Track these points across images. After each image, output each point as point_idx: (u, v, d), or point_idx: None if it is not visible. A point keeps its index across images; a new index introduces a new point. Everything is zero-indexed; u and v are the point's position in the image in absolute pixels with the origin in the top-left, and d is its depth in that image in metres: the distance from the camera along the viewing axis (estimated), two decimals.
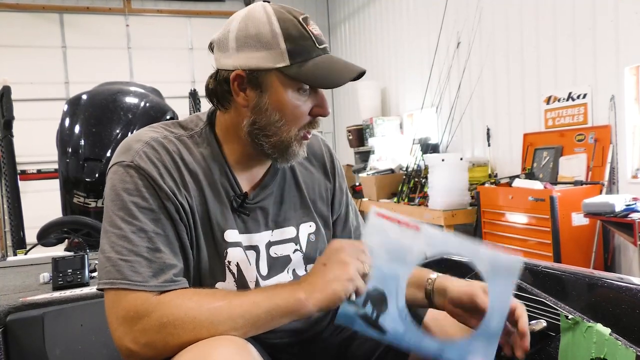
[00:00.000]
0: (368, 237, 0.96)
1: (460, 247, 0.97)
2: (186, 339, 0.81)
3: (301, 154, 1.01)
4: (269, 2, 0.97)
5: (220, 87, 0.98)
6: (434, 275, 1.09)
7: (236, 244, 1.00)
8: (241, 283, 1.00)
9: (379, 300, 0.94)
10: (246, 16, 0.95)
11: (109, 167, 0.95)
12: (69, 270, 1.50)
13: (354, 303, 0.92)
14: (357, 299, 0.90)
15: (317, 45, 0.94)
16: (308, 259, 1.11)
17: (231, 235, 0.99)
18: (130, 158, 0.92)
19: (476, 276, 1.38)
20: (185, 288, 0.90)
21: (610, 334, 1.04)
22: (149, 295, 0.85)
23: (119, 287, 0.84)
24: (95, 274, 1.61)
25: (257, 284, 1.01)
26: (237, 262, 0.99)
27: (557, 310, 1.17)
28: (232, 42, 0.94)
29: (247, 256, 1.01)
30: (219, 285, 0.99)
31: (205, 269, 0.97)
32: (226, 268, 0.99)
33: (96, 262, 1.72)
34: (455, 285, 1.04)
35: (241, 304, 0.84)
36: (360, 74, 0.97)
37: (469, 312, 1.00)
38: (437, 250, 0.95)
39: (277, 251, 1.06)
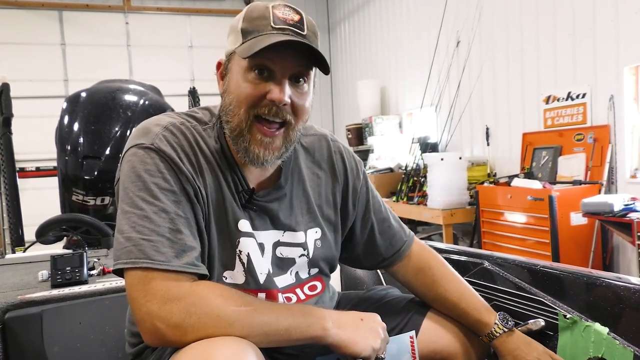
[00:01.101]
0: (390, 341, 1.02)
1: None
2: (203, 333, 0.82)
3: (261, 153, 0.94)
4: None
5: None
6: (497, 332, 1.13)
7: (249, 235, 1.01)
8: (250, 273, 1.01)
9: None
10: None
11: (125, 149, 0.95)
12: (68, 268, 1.50)
13: None
14: None
15: (272, 24, 0.91)
16: (313, 264, 1.12)
17: (244, 225, 1.00)
18: (150, 140, 0.93)
19: (477, 275, 1.39)
20: (206, 274, 0.91)
21: (608, 333, 1.04)
22: (182, 281, 0.86)
23: (142, 267, 0.85)
24: (93, 272, 1.62)
25: (268, 277, 1.02)
26: (248, 253, 1.00)
27: (556, 309, 1.17)
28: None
29: (259, 248, 1.02)
30: (227, 273, 1.00)
31: (214, 256, 0.98)
32: (237, 257, 1.00)
33: (95, 259, 1.73)
34: None
35: (264, 314, 0.86)
36: (303, 48, 0.91)
37: None
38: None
39: (284, 252, 1.07)
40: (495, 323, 1.13)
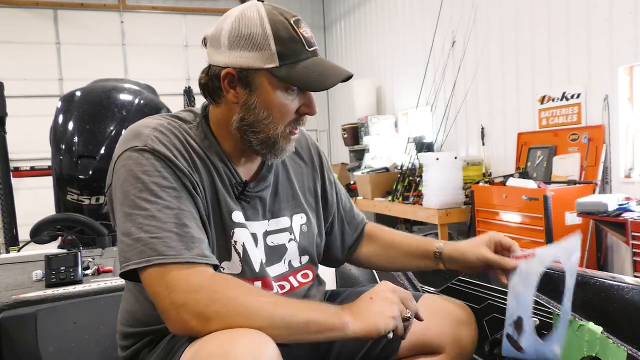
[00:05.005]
0: (514, 281, 1.13)
1: (556, 252, 1.13)
2: (227, 321, 0.83)
3: (289, 150, 1.05)
4: (263, 1, 1.00)
5: (212, 82, 1.02)
6: (439, 243, 1.21)
7: (242, 225, 1.04)
8: (246, 263, 1.04)
9: (519, 324, 1.08)
10: (240, 15, 0.97)
11: (118, 154, 0.97)
12: (62, 268, 1.50)
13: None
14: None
15: (307, 47, 0.97)
16: (303, 250, 1.16)
17: (238, 216, 1.04)
18: (142, 142, 0.95)
19: (473, 274, 1.39)
20: (217, 264, 0.94)
21: (601, 333, 1.04)
22: (198, 271, 0.87)
23: (156, 263, 0.86)
24: (88, 272, 1.61)
25: (261, 266, 1.06)
26: (243, 243, 1.04)
27: (550, 308, 1.18)
28: (224, 40, 0.97)
29: (252, 238, 1.05)
30: (224, 264, 1.03)
31: (213, 248, 1.01)
32: (232, 247, 1.03)
33: (89, 259, 1.73)
34: (467, 251, 1.18)
35: (284, 307, 0.87)
36: (348, 77, 1.01)
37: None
38: (544, 265, 1.11)
39: (274, 240, 1.11)
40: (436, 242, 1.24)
